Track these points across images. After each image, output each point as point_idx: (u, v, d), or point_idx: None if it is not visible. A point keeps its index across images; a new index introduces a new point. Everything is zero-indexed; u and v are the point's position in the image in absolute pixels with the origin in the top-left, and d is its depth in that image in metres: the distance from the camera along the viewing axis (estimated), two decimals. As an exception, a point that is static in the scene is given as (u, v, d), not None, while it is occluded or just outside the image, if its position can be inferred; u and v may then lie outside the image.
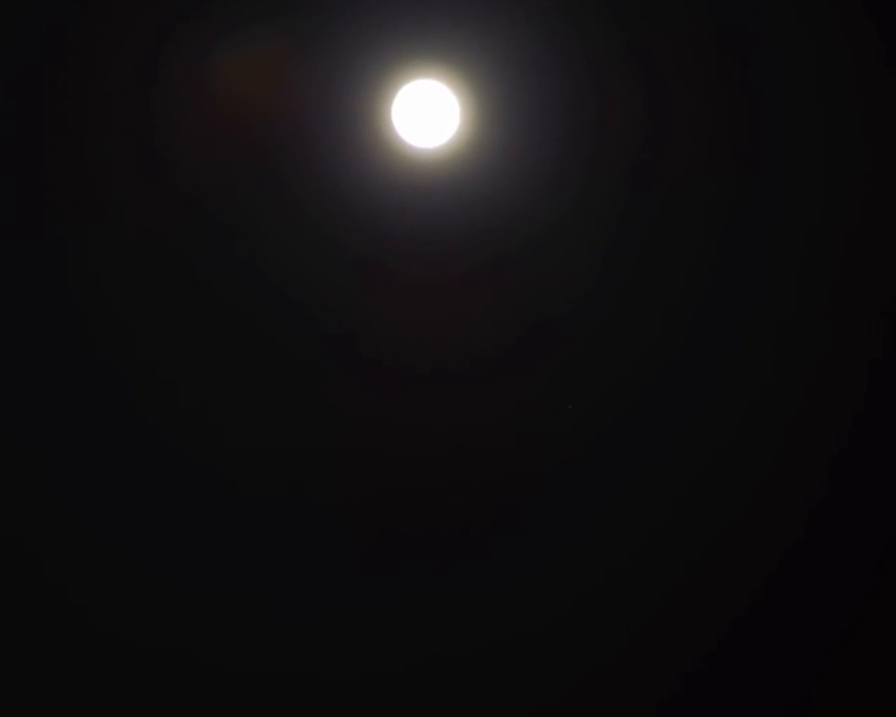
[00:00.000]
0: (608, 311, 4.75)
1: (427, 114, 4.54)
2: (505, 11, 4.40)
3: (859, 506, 4.83)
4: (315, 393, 4.82)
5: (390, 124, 4.55)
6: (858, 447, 4.81)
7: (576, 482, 4.86)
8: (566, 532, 4.86)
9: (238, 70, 4.48)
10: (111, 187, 4.58)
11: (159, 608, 4.75)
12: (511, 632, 4.86)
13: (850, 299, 4.71)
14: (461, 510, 4.88)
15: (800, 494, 4.85)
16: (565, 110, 4.50)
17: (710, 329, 4.76)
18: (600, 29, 4.42)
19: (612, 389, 4.83)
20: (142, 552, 4.77)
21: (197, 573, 4.79)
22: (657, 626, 4.87)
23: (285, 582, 4.84)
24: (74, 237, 4.61)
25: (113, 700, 4.70)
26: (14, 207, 4.58)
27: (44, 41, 4.46)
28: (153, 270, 4.68)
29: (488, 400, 4.84)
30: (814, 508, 4.84)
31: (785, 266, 4.71)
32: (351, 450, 4.86)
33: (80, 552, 4.74)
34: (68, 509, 4.74)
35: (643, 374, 4.82)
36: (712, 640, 4.84)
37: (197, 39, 4.45)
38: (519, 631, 4.86)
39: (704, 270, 4.71)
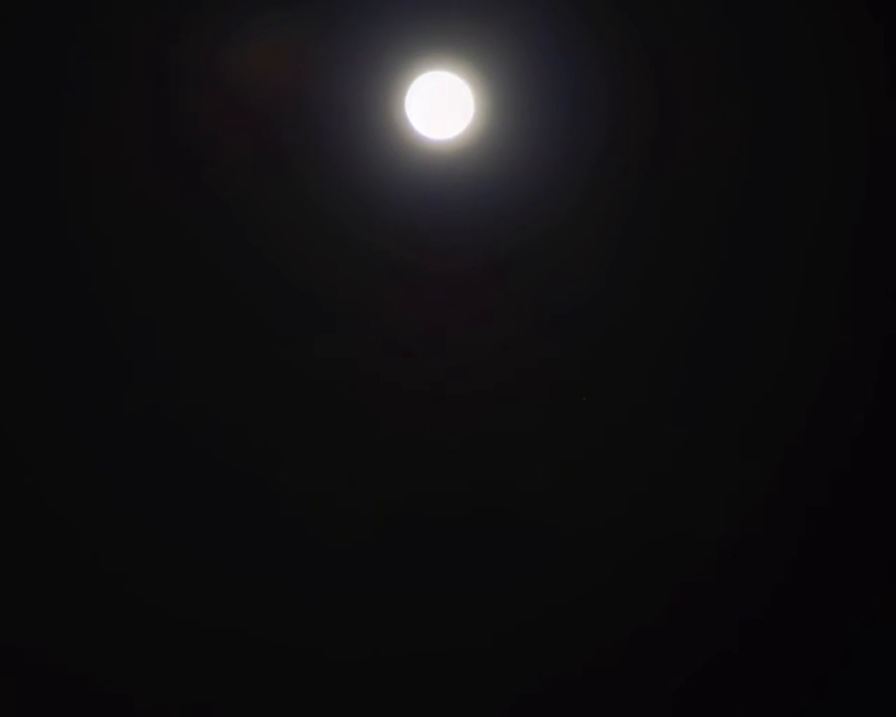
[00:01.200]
0: (618, 302, 4.76)
1: (441, 105, 4.53)
2: (518, 3, 4.40)
3: (864, 512, 4.86)
4: (318, 387, 4.84)
5: (404, 116, 4.55)
6: (861, 446, 4.83)
7: (578, 483, 4.89)
8: (566, 533, 4.89)
9: (252, 61, 4.48)
10: (125, 173, 4.60)
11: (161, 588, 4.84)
12: (511, 629, 4.90)
13: (857, 293, 4.73)
14: (462, 508, 4.91)
15: (804, 501, 4.87)
16: (578, 101, 4.49)
17: (716, 327, 4.77)
18: (613, 22, 4.42)
19: (619, 386, 4.85)
20: (147, 531, 4.84)
21: (202, 566, 4.84)
22: (657, 627, 4.90)
23: (285, 572, 4.88)
24: (85, 225, 4.64)
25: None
26: (26, 200, 4.61)
27: (53, 32, 4.47)
28: (165, 265, 4.71)
29: (497, 396, 4.87)
30: (817, 514, 4.86)
31: (792, 263, 4.70)
32: (352, 446, 4.89)
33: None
34: (69, 498, 4.81)
35: (649, 374, 4.84)
36: (713, 642, 4.87)
37: (211, 29, 4.46)
38: (521, 626, 4.90)
39: (712, 263, 4.72)
